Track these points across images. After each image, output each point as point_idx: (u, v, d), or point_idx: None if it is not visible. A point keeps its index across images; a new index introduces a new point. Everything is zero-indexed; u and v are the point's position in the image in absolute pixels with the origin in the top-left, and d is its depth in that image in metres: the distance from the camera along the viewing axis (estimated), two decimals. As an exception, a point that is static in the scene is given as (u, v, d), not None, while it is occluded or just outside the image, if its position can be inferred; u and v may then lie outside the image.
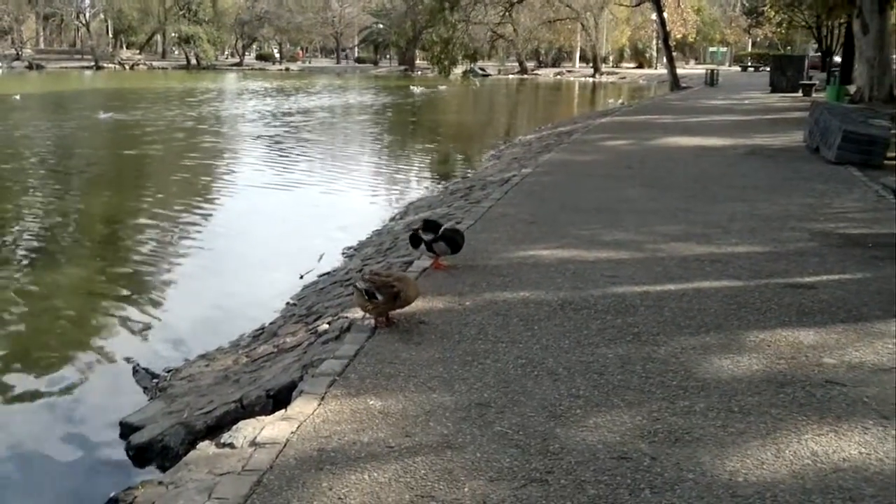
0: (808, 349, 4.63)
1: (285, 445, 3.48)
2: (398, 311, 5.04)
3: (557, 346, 4.67)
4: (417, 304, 5.18)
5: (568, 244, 7.18)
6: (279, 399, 4.30)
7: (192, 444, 4.02)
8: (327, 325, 5.37)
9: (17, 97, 36.43)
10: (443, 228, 6.22)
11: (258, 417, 3.88)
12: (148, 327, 7.10)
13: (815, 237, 7.48)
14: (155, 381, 5.32)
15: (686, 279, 6.08)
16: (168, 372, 5.53)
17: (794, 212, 8.73)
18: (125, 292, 8.23)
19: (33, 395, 5.67)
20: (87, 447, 4.81)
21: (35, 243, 10.34)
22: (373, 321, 5.04)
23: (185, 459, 3.52)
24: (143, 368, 5.54)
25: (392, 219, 11.27)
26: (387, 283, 4.82)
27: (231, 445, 3.55)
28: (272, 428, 3.63)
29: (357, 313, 5.26)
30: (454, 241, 6.16)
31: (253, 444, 3.51)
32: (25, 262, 9.38)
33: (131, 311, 7.56)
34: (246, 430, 3.65)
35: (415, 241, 6.29)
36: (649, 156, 13.69)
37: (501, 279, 6.05)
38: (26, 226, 11.37)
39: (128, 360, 6.04)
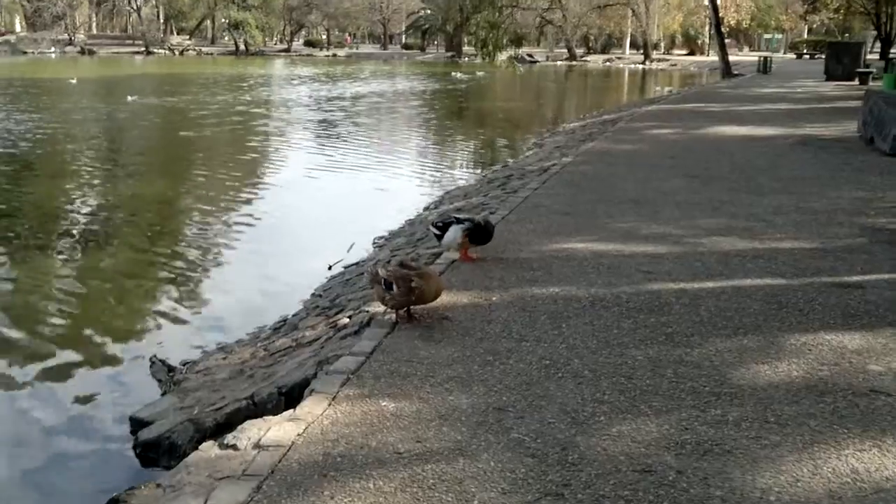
0: (852, 355, 4.34)
1: (290, 449, 3.32)
2: (420, 306, 4.86)
3: (585, 346, 4.45)
4: (442, 299, 4.99)
5: (604, 237, 6.93)
6: (291, 396, 4.15)
7: (199, 442, 3.89)
8: (347, 319, 5.22)
9: (74, 81, 37.26)
10: (467, 219, 5.99)
11: (265, 417, 3.73)
12: (175, 316, 7.03)
13: (864, 233, 7.12)
14: (171, 374, 5.22)
15: (725, 276, 5.80)
16: (184, 365, 5.42)
17: (843, 205, 8.35)
18: (156, 279, 8.20)
19: (49, 385, 5.62)
20: (94, 442, 4.72)
21: (71, 226, 10.39)
22: (393, 315, 4.87)
23: (187, 461, 3.38)
24: (160, 360, 5.44)
25: (426, 208, 11.08)
26: (406, 276, 4.63)
27: (234, 447, 3.40)
28: (278, 429, 3.48)
29: (378, 307, 5.09)
30: (483, 231, 5.95)
31: (257, 446, 3.36)
32: (64, 244, 9.42)
33: (161, 299, 7.52)
34: (251, 432, 3.50)
35: (437, 235, 6.10)
36: (694, 145, 13.30)
37: (531, 273, 5.83)
38: (67, 208, 11.43)
39: (149, 350, 5.96)
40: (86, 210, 11.42)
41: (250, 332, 6.33)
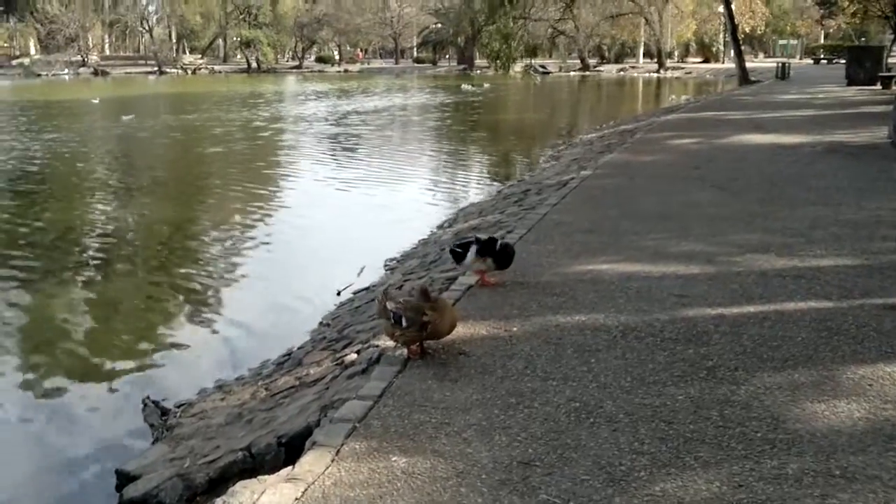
0: (919, 391, 3.86)
1: (285, 518, 2.89)
2: (434, 340, 4.43)
3: (618, 385, 4.00)
4: (457, 331, 4.55)
5: (630, 257, 6.47)
6: (292, 447, 3.73)
7: (189, 502, 3.47)
8: (355, 355, 4.78)
9: (96, 101, 37.47)
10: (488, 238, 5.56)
11: (259, 478, 3.29)
12: (174, 349, 6.62)
13: (911, 248, 6.63)
14: (164, 417, 4.79)
15: (767, 299, 5.33)
16: (179, 407, 4.99)
17: (884, 217, 7.85)
18: (157, 308, 7.82)
19: (34, 426, 5.21)
20: (76, 499, 4.30)
21: (69, 249, 10.02)
22: (405, 351, 4.43)
23: (170, 533, 2.95)
24: (154, 402, 5.00)
25: (440, 227, 10.65)
26: (417, 308, 4.19)
27: (223, 516, 2.98)
28: (274, 493, 3.05)
29: (388, 342, 4.66)
30: (503, 254, 5.52)
31: (248, 514, 2.93)
32: (61, 270, 9.05)
33: (160, 330, 7.12)
34: (243, 496, 3.07)
35: (456, 255, 5.66)
36: (719, 155, 12.81)
37: (554, 299, 5.38)
38: (70, 230, 11.08)
39: (144, 387, 5.55)
40: (85, 233, 11.07)
41: (253, 367, 5.90)
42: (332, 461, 3.29)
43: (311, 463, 3.27)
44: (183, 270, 9.04)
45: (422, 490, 3.08)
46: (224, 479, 3.65)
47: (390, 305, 4.35)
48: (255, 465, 3.72)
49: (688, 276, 5.90)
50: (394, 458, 3.31)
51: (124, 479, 3.98)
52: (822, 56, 68.14)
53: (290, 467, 3.31)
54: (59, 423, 5.20)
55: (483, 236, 5.68)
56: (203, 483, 3.63)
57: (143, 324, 7.38)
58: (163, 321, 7.34)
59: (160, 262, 9.50)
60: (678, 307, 5.20)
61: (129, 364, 6.28)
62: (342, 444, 3.42)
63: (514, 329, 4.83)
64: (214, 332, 6.95)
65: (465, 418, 3.66)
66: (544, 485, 3.10)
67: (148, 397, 5.10)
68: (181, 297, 8.08)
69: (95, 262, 9.51)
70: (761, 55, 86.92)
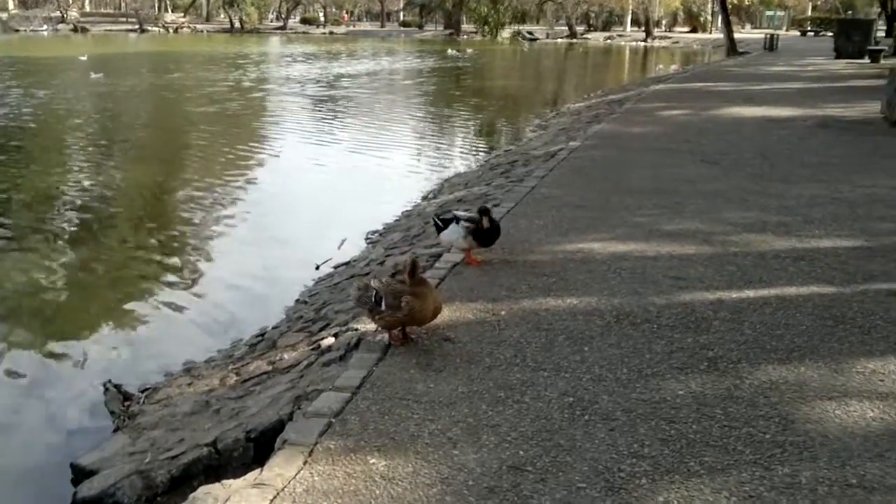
0: (935, 388, 3.62)
1: (251, 531, 2.61)
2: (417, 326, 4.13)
3: (613, 378, 3.72)
4: (442, 314, 4.25)
5: (623, 235, 6.19)
6: (262, 443, 3.43)
7: (148, 502, 3.17)
8: (333, 339, 4.48)
9: (84, 58, 36.59)
10: (468, 219, 5.24)
11: (224, 482, 2.99)
12: (143, 326, 6.24)
13: (913, 229, 6.39)
14: (126, 403, 4.47)
15: (766, 283, 5.07)
16: (143, 392, 4.65)
17: (882, 195, 7.62)
18: (126, 281, 7.43)
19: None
20: (27, 498, 3.98)
21: (40, 217, 9.59)
22: (386, 336, 4.13)
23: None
24: (115, 387, 4.66)
25: (424, 197, 10.29)
26: (398, 291, 3.88)
27: (180, 527, 2.69)
28: (238, 501, 2.76)
29: (369, 325, 4.36)
30: (488, 233, 5.21)
31: (209, 525, 2.64)
32: (31, 238, 8.62)
33: (129, 305, 6.72)
34: None
35: (438, 228, 5.37)
36: (710, 128, 12.52)
37: (544, 280, 5.09)
38: (39, 195, 10.64)
39: (108, 368, 5.22)
40: (52, 199, 10.61)
41: (224, 347, 5.56)
42: (305, 463, 3.01)
43: (281, 465, 2.98)
44: (154, 241, 8.65)
45: (402, 499, 2.80)
46: (187, 478, 3.36)
47: (374, 283, 4.05)
48: (222, 461, 3.43)
49: (683, 257, 5.64)
50: (372, 461, 3.03)
51: (80, 473, 3.67)
52: (808, 28, 67.85)
53: (257, 470, 3.01)
54: (12, 407, 4.83)
55: (463, 214, 5.36)
56: (164, 482, 3.33)
57: (108, 297, 7.01)
58: (131, 295, 6.97)
59: (130, 232, 9.09)
60: (674, 290, 4.93)
61: (92, 342, 5.91)
62: (316, 444, 3.13)
63: (502, 313, 4.54)
64: (185, 307, 6.59)
65: (451, 414, 3.38)
66: (537, 493, 2.83)
67: (110, 381, 4.75)
68: (151, 270, 7.71)
69: (61, 230, 9.07)
70: (748, 26, 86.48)
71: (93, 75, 27.92)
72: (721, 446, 3.14)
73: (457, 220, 5.23)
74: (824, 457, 3.07)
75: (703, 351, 4.03)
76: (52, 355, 5.64)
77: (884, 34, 40.21)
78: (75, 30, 74.31)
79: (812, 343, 4.13)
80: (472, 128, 19.08)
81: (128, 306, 6.69)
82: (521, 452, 3.09)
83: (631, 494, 2.83)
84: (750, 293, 4.88)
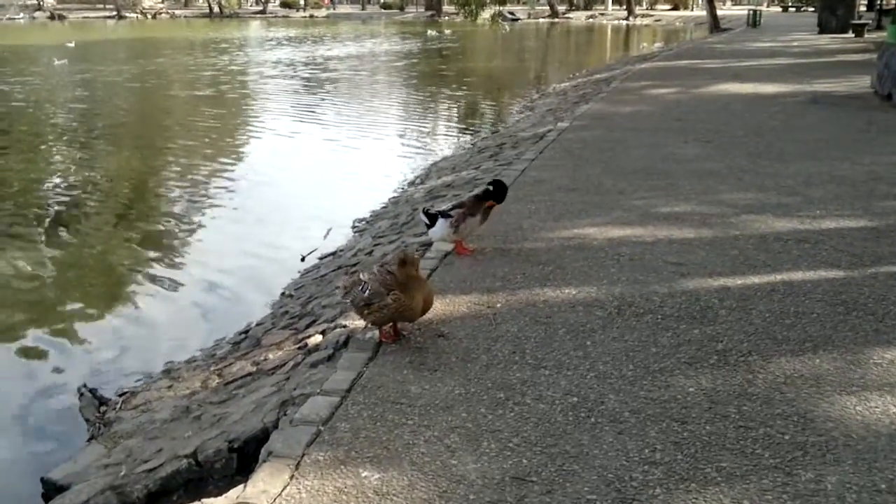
0: (959, 379, 3.42)
1: (233, 559, 2.37)
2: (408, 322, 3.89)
3: (619, 374, 3.50)
4: (435, 307, 4.02)
5: (618, 219, 5.96)
6: (245, 454, 3.20)
7: (123, 523, 2.93)
8: (320, 338, 4.24)
9: (71, 44, 36.01)
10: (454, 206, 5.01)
11: (204, 501, 2.75)
12: (121, 323, 5.99)
13: (917, 207, 6.20)
14: (102, 409, 4.22)
15: (771, 267, 4.86)
16: (120, 396, 4.40)
17: (881, 173, 7.42)
18: (105, 272, 7.17)
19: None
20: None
21: (20, 209, 9.28)
22: (377, 333, 3.90)
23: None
24: (90, 391, 4.40)
25: (412, 183, 10.03)
26: (386, 283, 3.64)
27: (156, 556, 2.45)
28: (219, 523, 2.52)
29: (357, 321, 4.12)
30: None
31: (188, 553, 2.41)
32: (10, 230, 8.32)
33: (107, 301, 6.47)
34: (182, 527, 2.54)
35: (427, 224, 5.13)
36: (700, 106, 12.29)
37: (541, 269, 4.86)
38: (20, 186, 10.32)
39: (84, 369, 4.96)
40: (32, 188, 10.30)
41: (206, 346, 5.31)
42: (291, 478, 2.77)
43: (266, 480, 2.74)
44: (132, 233, 8.36)
45: (398, 516, 2.57)
46: (166, 493, 3.12)
47: (363, 276, 3.80)
48: (203, 474, 3.19)
49: (682, 241, 5.42)
50: (364, 474, 2.80)
51: (51, 488, 3.43)
52: (790, 4, 67.64)
53: (240, 486, 2.77)
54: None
55: (450, 211, 5.09)
56: (141, 498, 3.09)
57: (84, 293, 6.73)
58: (108, 290, 6.70)
59: (109, 223, 8.79)
60: (676, 277, 4.71)
61: (67, 341, 5.64)
62: (303, 455, 2.90)
63: (498, 305, 4.31)
64: (166, 303, 6.33)
65: (447, 419, 3.15)
66: (544, 508, 2.61)
67: (84, 385, 4.49)
68: (130, 263, 7.43)
69: (33, 224, 8.76)
70: (729, 2, 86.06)
71: (56, 62, 27.62)
72: (738, 449, 2.93)
73: (443, 215, 4.99)
74: (849, 459, 2.86)
75: (712, 343, 3.81)
76: (23, 355, 5.39)
77: (865, 8, 40.18)
78: (52, 17, 73.23)
79: (825, 332, 3.92)
80: (458, 110, 18.79)
81: (105, 302, 6.43)
82: (525, 461, 2.87)
83: (645, 506, 2.61)
84: (755, 279, 4.66)
